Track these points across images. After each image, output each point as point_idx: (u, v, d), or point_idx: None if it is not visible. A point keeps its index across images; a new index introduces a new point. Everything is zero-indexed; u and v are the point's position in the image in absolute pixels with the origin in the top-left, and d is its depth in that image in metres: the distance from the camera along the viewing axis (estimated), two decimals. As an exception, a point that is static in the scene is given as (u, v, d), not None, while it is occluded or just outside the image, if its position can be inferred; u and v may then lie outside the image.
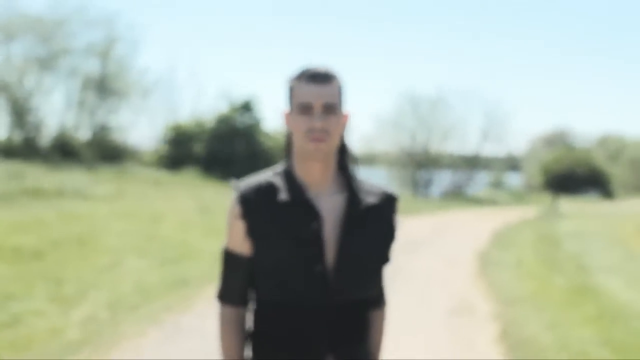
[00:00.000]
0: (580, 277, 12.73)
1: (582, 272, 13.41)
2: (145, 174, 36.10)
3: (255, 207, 2.63)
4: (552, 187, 57.68)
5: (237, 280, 2.73)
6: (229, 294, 2.76)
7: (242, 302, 2.75)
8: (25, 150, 37.47)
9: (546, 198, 43.81)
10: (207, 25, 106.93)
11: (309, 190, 2.65)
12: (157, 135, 47.24)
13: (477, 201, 46.52)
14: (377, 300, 2.88)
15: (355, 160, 2.80)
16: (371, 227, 2.68)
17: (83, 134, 43.19)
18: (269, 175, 2.71)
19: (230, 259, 2.73)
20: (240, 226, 2.65)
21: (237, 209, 2.66)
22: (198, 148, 43.10)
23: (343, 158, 2.75)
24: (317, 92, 2.57)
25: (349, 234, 2.62)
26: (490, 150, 58.47)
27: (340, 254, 2.60)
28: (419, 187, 54.42)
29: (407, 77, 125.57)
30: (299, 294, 2.61)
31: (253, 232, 2.63)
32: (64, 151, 39.29)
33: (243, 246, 2.67)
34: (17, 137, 40.35)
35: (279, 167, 2.74)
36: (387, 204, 2.76)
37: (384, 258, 2.77)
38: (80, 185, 22.26)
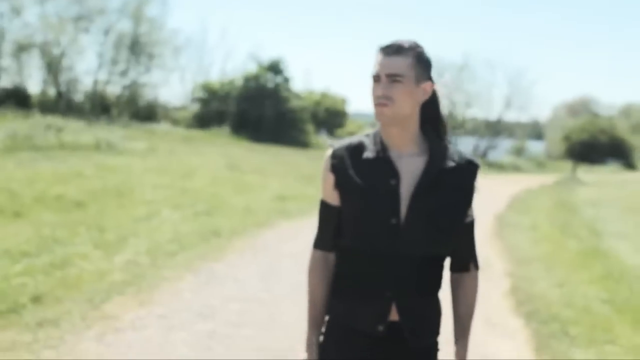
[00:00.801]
0: (591, 241, 13.27)
1: (594, 237, 13.95)
2: (175, 131, 36.70)
3: (343, 163, 2.89)
4: (573, 156, 57.52)
5: (329, 228, 3.00)
6: (321, 240, 3.04)
7: (332, 248, 3.02)
8: (60, 105, 38.15)
9: (568, 166, 43.99)
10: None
11: (391, 150, 2.87)
12: (188, 94, 47.67)
13: (500, 167, 46.75)
14: (464, 263, 3.06)
15: (444, 127, 3.03)
16: (445, 189, 2.86)
17: (115, 92, 43.74)
18: (361, 136, 2.97)
19: (323, 208, 3.02)
20: (330, 178, 2.93)
21: (328, 163, 2.94)
22: (227, 107, 43.33)
23: (431, 124, 2.98)
24: (384, 63, 2.79)
25: (423, 193, 2.81)
26: (513, 117, 58.47)
27: (412, 210, 2.80)
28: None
29: (434, 44, 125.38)
30: (373, 242, 2.83)
31: (340, 184, 2.90)
32: (98, 107, 39.85)
33: (333, 197, 2.94)
34: (52, 92, 40.98)
35: (373, 130, 2.98)
36: (467, 170, 2.94)
37: (457, 220, 2.92)
38: (114, 141, 22.97)
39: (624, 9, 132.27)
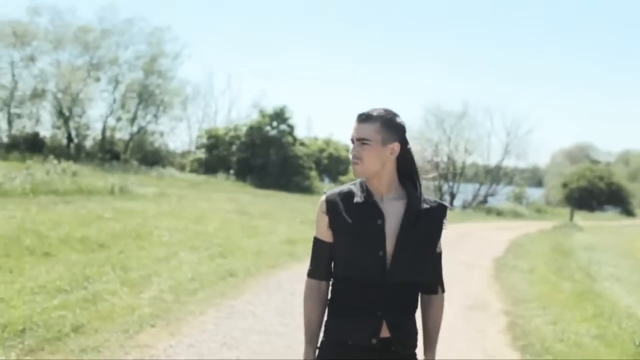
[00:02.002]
0: (586, 284, 13.91)
1: (589, 280, 14.58)
2: (183, 177, 37.49)
3: (336, 207, 3.48)
4: (572, 202, 57.94)
5: (321, 260, 3.57)
6: (314, 271, 3.60)
7: (324, 278, 3.58)
8: (71, 150, 39.00)
9: (567, 212, 44.55)
10: (243, 37, 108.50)
11: (375, 196, 3.47)
12: (193, 141, 48.54)
13: (499, 213, 47.22)
14: (434, 286, 3.63)
15: (418, 177, 3.59)
16: (422, 226, 3.45)
17: (125, 139, 44.58)
18: (349, 185, 3.57)
19: (317, 245, 3.58)
20: (325, 220, 3.51)
21: (323, 207, 3.52)
22: (232, 153, 44.03)
23: (404, 175, 3.55)
24: (356, 128, 3.43)
25: (405, 230, 3.40)
26: (512, 163, 59.02)
27: (396, 244, 3.37)
28: (443, 198, 55.08)
29: (433, 93, 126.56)
30: (365, 272, 3.39)
31: (333, 224, 3.47)
32: (108, 153, 40.63)
33: (326, 235, 3.51)
34: (62, 138, 41.80)
35: (359, 180, 3.57)
36: (438, 211, 3.54)
37: (432, 250, 3.52)
38: (126, 185, 23.77)
39: (622, 56, 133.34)
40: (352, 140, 3.47)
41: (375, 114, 3.43)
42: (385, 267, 3.40)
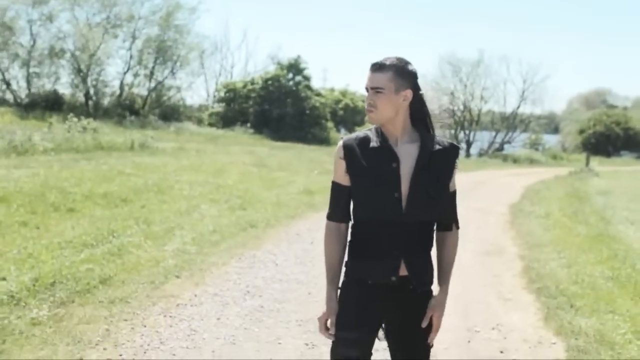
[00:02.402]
0: (600, 227, 14.08)
1: (604, 223, 14.74)
2: (201, 131, 37.69)
3: (353, 152, 3.61)
4: (588, 148, 57.74)
5: (340, 203, 3.72)
6: (333, 213, 3.76)
7: (342, 220, 3.73)
8: (90, 107, 39.26)
9: (583, 158, 44.54)
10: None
11: (390, 140, 3.59)
12: (211, 95, 48.68)
13: (515, 160, 47.24)
14: (448, 223, 3.78)
15: (431, 122, 3.71)
16: (435, 167, 3.58)
17: (143, 94, 44.74)
18: (365, 130, 3.69)
19: (335, 188, 3.73)
20: (342, 164, 3.64)
21: (340, 152, 3.65)
22: (249, 106, 44.11)
23: (417, 120, 3.66)
24: (370, 77, 3.55)
25: (419, 172, 3.53)
26: (529, 110, 58.89)
27: (411, 186, 3.51)
28: (460, 146, 55.11)
29: (449, 42, 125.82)
30: (382, 213, 3.55)
31: (350, 168, 3.61)
32: (127, 109, 40.83)
33: (344, 179, 3.66)
34: (81, 95, 42.04)
35: (375, 126, 3.68)
36: (451, 152, 3.65)
37: (445, 189, 3.63)
38: (146, 141, 24.03)
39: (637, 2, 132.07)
40: (367, 89, 3.58)
41: (387, 62, 3.54)
42: (401, 207, 3.54)
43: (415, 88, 3.61)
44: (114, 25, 42.86)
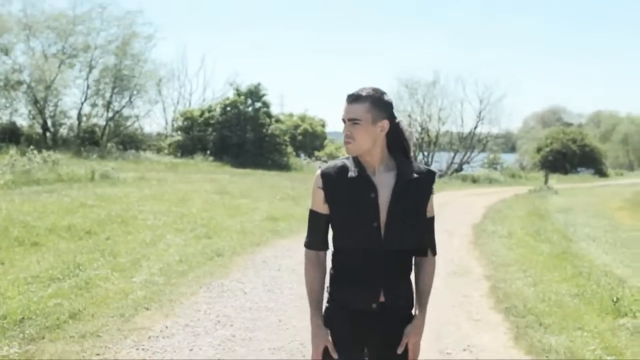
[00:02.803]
0: (563, 245, 14.26)
1: (566, 241, 14.93)
2: (161, 159, 37.58)
3: (331, 181, 3.65)
4: (546, 166, 58.35)
5: (318, 232, 3.76)
6: (312, 242, 3.79)
7: (321, 248, 3.78)
8: (48, 138, 39.03)
9: (540, 176, 44.95)
10: (215, 17, 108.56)
11: (367, 170, 3.63)
12: (169, 123, 48.63)
13: (474, 180, 47.60)
14: (425, 249, 3.82)
15: (409, 149, 3.74)
16: (412, 194, 3.64)
17: (101, 124, 44.60)
18: (342, 159, 3.73)
19: (313, 216, 3.77)
20: (320, 194, 3.68)
21: (319, 181, 3.68)
22: (208, 135, 44.06)
23: (394, 148, 3.70)
24: (347, 109, 3.59)
25: (396, 201, 3.59)
26: (486, 130, 59.36)
27: (389, 215, 3.57)
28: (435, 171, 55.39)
29: (404, 64, 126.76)
30: (361, 242, 3.60)
31: (329, 198, 3.67)
32: (86, 140, 40.65)
33: (322, 207, 3.70)
34: (38, 127, 41.80)
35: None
36: (427, 178, 3.71)
37: (422, 217, 3.70)
38: (107, 171, 23.90)
39: (590, 18, 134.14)
40: (344, 121, 3.63)
41: (364, 94, 3.58)
42: (380, 236, 3.59)
43: (392, 117, 3.66)
44: (70, 55, 42.67)
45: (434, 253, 3.90)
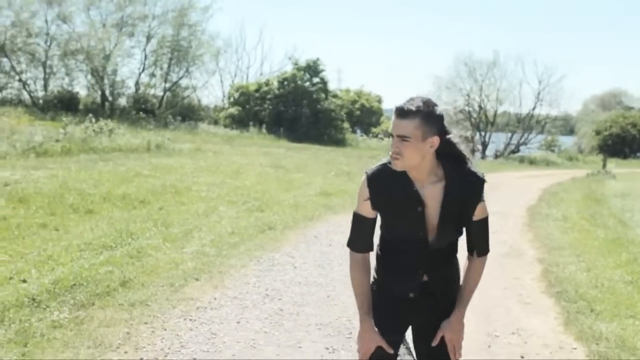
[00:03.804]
0: (619, 230, 14.00)
1: (622, 227, 14.65)
2: (217, 131, 37.80)
3: (378, 188, 3.62)
4: (605, 150, 57.59)
5: (363, 234, 3.73)
6: (357, 244, 3.76)
7: (366, 250, 3.76)
8: (106, 108, 39.45)
9: (598, 160, 44.39)
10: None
11: (415, 182, 3.56)
12: (227, 96, 48.87)
13: (531, 162, 47.20)
14: (471, 250, 3.81)
15: (462, 157, 3.60)
16: (460, 206, 3.61)
17: (158, 94, 44.96)
18: (389, 161, 3.57)
19: (358, 220, 3.73)
20: (367, 202, 3.66)
21: (365, 190, 3.66)
22: (263, 110, 44.16)
23: (444, 158, 3.57)
24: (395, 124, 3.42)
25: (444, 214, 3.57)
26: (545, 112, 58.79)
27: (437, 224, 3.57)
28: (476, 148, 55.14)
29: (465, 43, 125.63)
30: (407, 243, 3.65)
31: (376, 206, 3.66)
32: (142, 110, 41.00)
33: (368, 212, 3.68)
34: (97, 96, 42.29)
35: None
36: (475, 187, 3.63)
37: (466, 222, 3.68)
38: (163, 142, 24.11)
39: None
40: (391, 135, 3.49)
41: (414, 108, 3.39)
42: (427, 240, 3.62)
43: (443, 132, 3.52)
44: (128, 25, 43.05)
45: (484, 253, 3.86)
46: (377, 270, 3.84)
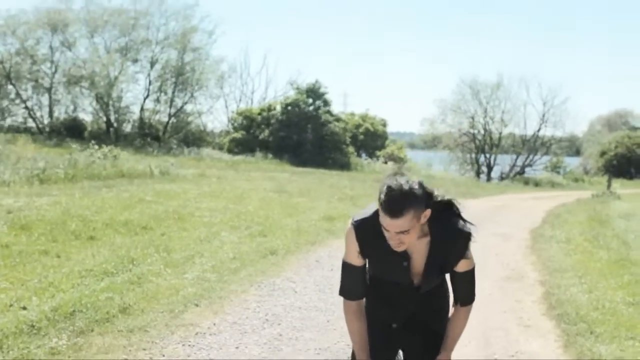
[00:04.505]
0: (622, 252, 13.96)
1: (625, 248, 14.61)
2: (222, 157, 37.93)
3: (365, 238, 3.66)
4: (610, 170, 57.54)
5: (354, 282, 3.81)
6: (350, 293, 3.84)
7: (359, 297, 3.84)
8: (111, 134, 39.63)
9: (604, 181, 44.44)
10: (277, 15, 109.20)
11: None
12: (231, 121, 49.10)
13: (537, 183, 47.25)
14: (455, 299, 3.88)
15: (450, 205, 3.66)
16: (445, 258, 3.67)
17: (163, 120, 45.19)
18: (376, 209, 3.58)
19: (347, 268, 3.82)
20: (355, 248, 3.71)
21: (353, 236, 3.71)
22: (268, 134, 44.30)
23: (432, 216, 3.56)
24: (391, 224, 3.41)
25: (428, 268, 3.67)
26: (550, 133, 58.84)
27: (422, 277, 3.69)
28: (480, 170, 55.31)
29: (469, 65, 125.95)
30: (393, 289, 3.80)
31: (364, 254, 3.73)
32: (147, 136, 41.19)
33: (358, 261, 3.75)
34: (102, 122, 42.53)
35: None
36: (460, 240, 3.65)
37: (455, 271, 3.76)
38: (167, 168, 24.19)
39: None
40: (386, 230, 3.49)
41: (405, 206, 3.39)
42: (413, 287, 3.76)
43: (430, 201, 3.56)
44: (132, 50, 43.29)
45: (468, 303, 3.90)
46: (366, 298, 3.90)
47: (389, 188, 3.40)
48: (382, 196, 3.41)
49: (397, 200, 3.39)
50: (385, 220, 3.43)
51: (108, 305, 7.89)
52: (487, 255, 13.10)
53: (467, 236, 3.65)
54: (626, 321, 8.59)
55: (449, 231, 3.63)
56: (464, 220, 3.69)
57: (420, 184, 3.48)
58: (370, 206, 3.73)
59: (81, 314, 7.51)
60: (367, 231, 3.63)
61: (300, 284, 10.00)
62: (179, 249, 11.43)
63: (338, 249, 12.46)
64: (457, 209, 3.68)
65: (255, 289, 9.44)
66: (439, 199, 3.61)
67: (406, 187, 3.41)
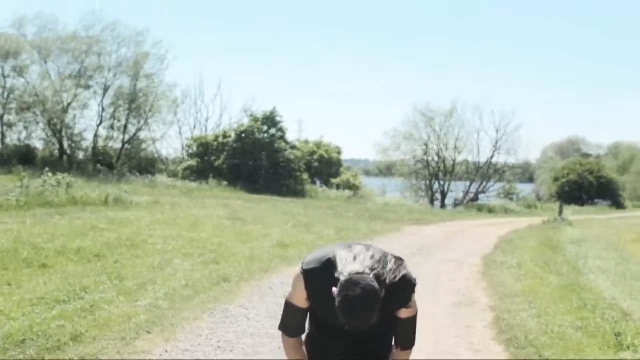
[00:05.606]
0: (572, 277, 14.20)
1: (575, 273, 14.87)
2: (176, 184, 37.76)
3: (312, 285, 3.67)
4: (562, 197, 58.24)
5: (296, 321, 3.86)
6: (290, 330, 3.89)
7: (299, 334, 3.91)
8: (64, 161, 39.32)
9: (557, 207, 44.95)
10: (231, 41, 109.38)
11: None
12: (185, 149, 48.97)
13: (490, 210, 47.64)
14: (400, 344, 3.89)
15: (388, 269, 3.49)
16: (389, 305, 3.52)
17: (117, 147, 44.95)
18: (326, 259, 3.60)
19: (290, 308, 3.84)
20: (304, 293, 3.71)
21: (301, 286, 3.72)
22: (223, 161, 44.26)
23: None
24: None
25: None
26: (503, 160, 59.38)
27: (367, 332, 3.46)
28: (435, 197, 55.62)
29: (422, 93, 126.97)
30: (335, 331, 3.70)
31: (310, 298, 3.72)
32: (100, 163, 40.93)
33: (303, 303, 3.76)
34: (55, 149, 42.19)
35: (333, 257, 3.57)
36: (404, 290, 3.64)
37: (398, 319, 3.76)
38: (120, 195, 24.06)
39: (610, 48, 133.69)
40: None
41: (370, 319, 3.28)
42: (355, 337, 3.75)
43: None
44: (84, 77, 43.07)
45: (408, 348, 3.94)
46: (309, 325, 3.93)
47: (349, 300, 3.25)
48: (342, 305, 3.28)
49: (361, 318, 3.27)
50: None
51: (59, 333, 7.85)
52: (439, 281, 13.23)
53: (411, 285, 3.68)
54: (574, 345, 8.76)
55: (391, 280, 3.50)
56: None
57: (378, 277, 3.33)
58: (321, 251, 3.74)
59: (32, 342, 7.48)
60: (315, 281, 3.65)
61: (253, 310, 10.02)
62: (131, 276, 11.38)
63: (291, 276, 12.39)
64: (411, 278, 3.67)
65: (208, 316, 9.44)
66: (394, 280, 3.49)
67: (367, 297, 3.25)
